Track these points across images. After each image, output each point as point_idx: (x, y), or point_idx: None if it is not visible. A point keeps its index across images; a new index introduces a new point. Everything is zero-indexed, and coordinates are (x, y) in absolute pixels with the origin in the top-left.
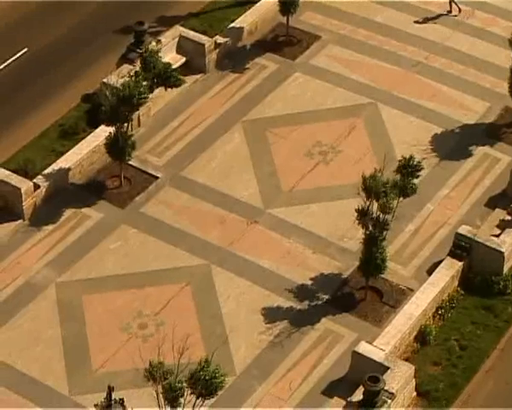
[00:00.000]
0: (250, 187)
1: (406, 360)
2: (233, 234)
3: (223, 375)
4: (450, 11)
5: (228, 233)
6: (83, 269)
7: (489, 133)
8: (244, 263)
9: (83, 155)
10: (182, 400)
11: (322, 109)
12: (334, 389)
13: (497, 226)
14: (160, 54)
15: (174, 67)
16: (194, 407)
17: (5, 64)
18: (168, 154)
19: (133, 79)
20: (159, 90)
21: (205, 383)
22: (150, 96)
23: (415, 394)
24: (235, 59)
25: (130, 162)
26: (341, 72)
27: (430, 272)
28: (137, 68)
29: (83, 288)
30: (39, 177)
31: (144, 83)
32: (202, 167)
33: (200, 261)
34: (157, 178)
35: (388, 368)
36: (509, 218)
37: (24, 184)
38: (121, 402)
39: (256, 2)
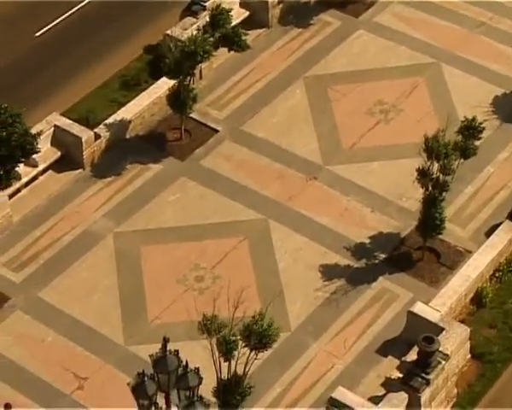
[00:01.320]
0: (310, 143)
1: (462, 321)
2: (291, 190)
3: (277, 329)
4: None
5: (286, 188)
6: (141, 220)
7: None
8: (302, 219)
9: (144, 106)
10: (235, 353)
11: (385, 68)
12: (389, 348)
13: None
14: (230, 13)
15: (238, 21)
16: (247, 360)
17: (69, 14)
18: (229, 107)
19: (199, 35)
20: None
21: (259, 335)
22: (214, 53)
23: (469, 356)
24: (298, 14)
25: (190, 115)
26: (405, 30)
27: (488, 234)
28: (203, 23)
29: (140, 239)
30: (100, 127)
31: (210, 39)
32: (263, 122)
33: (258, 216)
34: (217, 131)
35: (443, 329)
36: None
37: (85, 134)
38: (176, 354)
39: None
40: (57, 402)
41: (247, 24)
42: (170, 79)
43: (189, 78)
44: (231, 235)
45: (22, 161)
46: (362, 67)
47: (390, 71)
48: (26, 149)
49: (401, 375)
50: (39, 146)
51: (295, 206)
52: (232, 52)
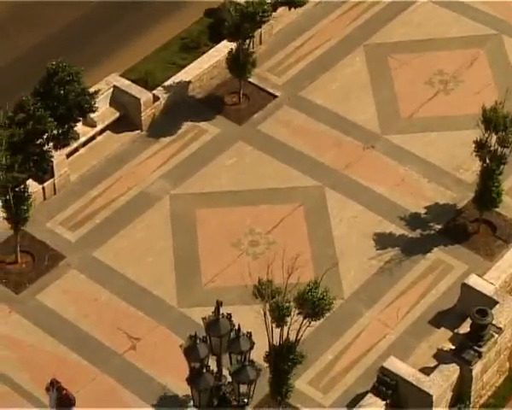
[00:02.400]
0: (368, 111)
1: None
2: (348, 157)
3: (331, 299)
4: None
5: (343, 156)
6: (197, 183)
7: None
8: (358, 187)
9: (203, 69)
10: (288, 319)
11: (446, 38)
12: (442, 319)
13: None
14: None
15: None
16: (300, 327)
17: None
18: (288, 73)
19: None
20: (282, 9)
21: (312, 304)
22: (273, 14)
23: None
24: None
25: (249, 79)
26: (467, 1)
27: None
28: None
29: (196, 202)
30: (159, 88)
31: (268, 1)
32: (321, 89)
33: (314, 183)
34: (276, 96)
35: (497, 303)
36: None
37: (143, 95)
38: (228, 318)
39: None
40: (109, 362)
41: None
42: (229, 41)
43: (248, 41)
44: (287, 201)
45: (80, 120)
46: (422, 37)
47: (451, 41)
48: (83, 108)
49: (453, 347)
50: (97, 105)
51: (352, 174)
52: (292, 17)
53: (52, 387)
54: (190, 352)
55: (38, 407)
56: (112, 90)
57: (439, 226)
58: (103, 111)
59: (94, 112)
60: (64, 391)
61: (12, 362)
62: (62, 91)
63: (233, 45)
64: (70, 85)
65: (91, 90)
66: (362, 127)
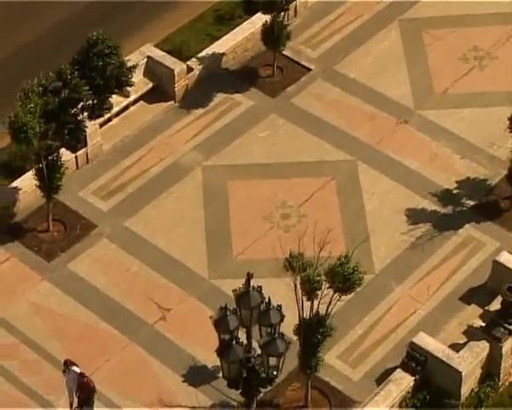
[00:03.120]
0: (402, 86)
1: None
2: (381, 132)
3: (362, 272)
4: None
5: (376, 131)
6: (230, 155)
7: None
8: (391, 162)
9: (237, 41)
10: (319, 293)
11: (481, 14)
12: (472, 296)
13: None
14: None
15: None
16: (330, 300)
17: None
18: (322, 46)
19: None
20: None
21: (343, 278)
22: None
23: None
24: None
25: (283, 52)
26: None
27: None
28: None
29: (229, 173)
30: (193, 59)
31: None
32: (355, 63)
33: (347, 157)
34: (309, 70)
35: None
36: None
37: (177, 66)
38: (259, 290)
39: None
40: (139, 331)
41: None
42: (264, 14)
43: (283, 14)
44: (319, 174)
45: (116, 92)
46: (458, 13)
47: (486, 18)
48: (120, 81)
49: (483, 324)
50: (133, 79)
51: (384, 148)
52: None
53: (67, 367)
54: (220, 324)
55: None
56: (146, 60)
57: (471, 203)
58: (137, 82)
59: (131, 86)
60: (85, 379)
61: (43, 331)
62: (101, 63)
63: (268, 18)
64: (109, 58)
65: (127, 61)
66: (395, 102)
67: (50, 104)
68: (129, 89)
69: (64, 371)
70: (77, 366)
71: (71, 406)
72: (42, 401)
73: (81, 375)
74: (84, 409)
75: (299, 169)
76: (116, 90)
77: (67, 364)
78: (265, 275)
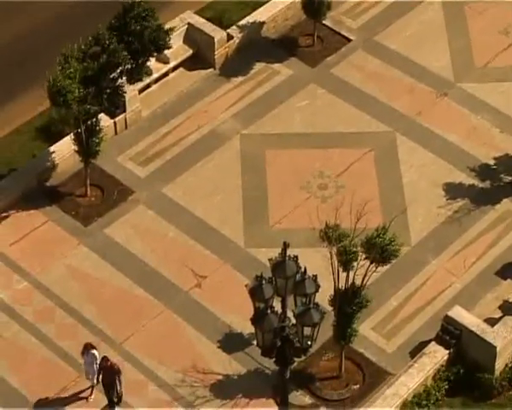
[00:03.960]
0: (442, 59)
1: None
2: (421, 104)
3: (399, 245)
4: None
5: (416, 103)
6: (268, 124)
7: None
8: (429, 135)
9: (278, 10)
10: (355, 264)
11: None
12: (508, 271)
13: None
14: None
15: None
16: (366, 272)
17: None
18: (363, 17)
19: None
20: None
21: (380, 249)
22: None
23: None
24: None
25: (324, 22)
26: None
27: None
28: None
29: (267, 142)
30: (233, 27)
31: None
32: (396, 34)
33: (386, 128)
34: (350, 40)
35: None
36: None
37: (218, 34)
38: (295, 260)
39: None
40: (175, 298)
41: None
42: None
43: None
44: (357, 145)
45: (154, 56)
46: None
47: None
48: (158, 45)
49: None
50: (171, 42)
51: (424, 121)
52: None
53: (86, 350)
54: (256, 292)
55: (103, 340)
56: (186, 27)
57: (510, 178)
58: (177, 48)
59: (168, 49)
60: (108, 362)
61: (79, 295)
62: (138, 27)
63: None
64: (146, 21)
65: (166, 26)
66: (435, 74)
67: (90, 69)
68: (168, 55)
69: (82, 354)
70: (96, 349)
71: (91, 389)
72: (76, 364)
73: (104, 359)
74: (111, 393)
75: (338, 140)
76: (154, 54)
77: (87, 347)
78: (301, 245)
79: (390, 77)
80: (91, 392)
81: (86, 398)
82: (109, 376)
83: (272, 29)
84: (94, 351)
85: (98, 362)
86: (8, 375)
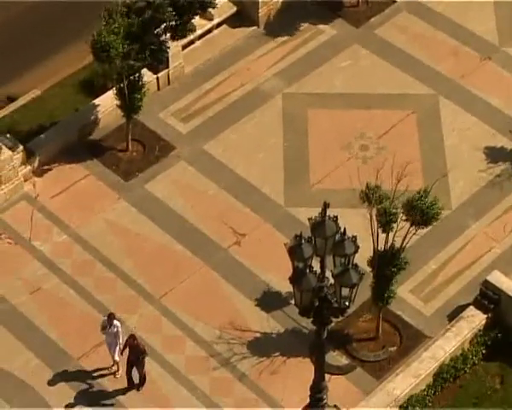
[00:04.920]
0: (488, 22)
1: None
2: (465, 67)
3: (439, 208)
4: None
5: (459, 66)
6: (311, 83)
7: None
8: (472, 98)
9: None
10: (395, 226)
11: None
12: None
13: None
14: None
15: None
16: (406, 234)
17: None
18: None
19: None
20: None
21: (421, 212)
22: None
23: None
24: None
25: None
26: None
27: None
28: None
29: (309, 101)
30: None
31: None
32: None
33: (429, 91)
34: (394, 1)
35: None
36: None
37: None
38: (335, 220)
39: None
40: (213, 255)
41: None
42: None
43: None
44: (399, 107)
45: (199, 13)
46: None
47: None
48: (203, 2)
49: None
50: (217, 2)
51: (467, 84)
52: None
53: (109, 320)
54: (295, 251)
55: (141, 295)
56: None
57: None
58: (221, 5)
59: (214, 7)
60: (135, 341)
61: (118, 249)
62: None
63: None
64: None
65: None
66: (480, 38)
67: (134, 25)
68: (213, 12)
69: (104, 328)
70: (133, 335)
71: (117, 365)
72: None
73: (131, 337)
74: (134, 372)
75: (380, 101)
76: (199, 12)
77: (111, 317)
78: (341, 205)
79: (434, 39)
80: (118, 368)
81: (114, 374)
82: (134, 355)
83: None
84: (116, 322)
85: (121, 335)
86: (46, 327)
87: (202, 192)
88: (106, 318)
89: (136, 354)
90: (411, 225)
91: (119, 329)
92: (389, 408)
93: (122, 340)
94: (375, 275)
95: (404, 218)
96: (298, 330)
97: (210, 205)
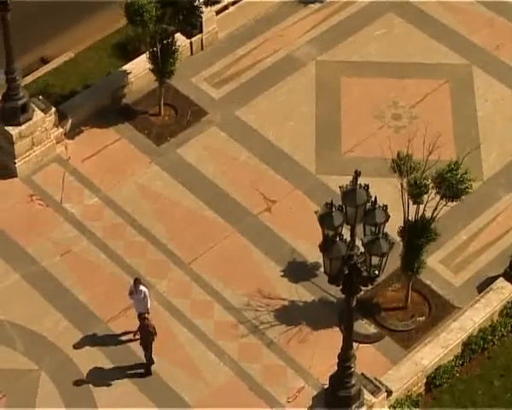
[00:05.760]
0: None
1: None
2: (500, 38)
3: (470, 180)
4: None
5: (494, 37)
6: (344, 51)
7: None
8: (507, 70)
9: None
10: (425, 196)
11: None
12: None
13: None
14: None
15: None
16: (437, 206)
17: None
18: None
19: None
20: None
21: (451, 185)
22: None
23: None
24: None
25: None
26: None
27: None
28: None
29: (342, 69)
30: None
31: None
32: None
33: (463, 61)
34: None
35: None
36: None
37: None
38: (366, 189)
39: None
40: (244, 221)
41: None
42: None
43: None
44: (433, 77)
45: None
46: None
47: None
48: None
49: None
50: None
51: (502, 55)
52: None
53: (135, 285)
54: (325, 219)
55: (171, 259)
56: None
57: None
58: None
59: None
60: (145, 321)
61: (148, 213)
62: None
63: None
64: None
65: None
66: None
67: None
68: None
69: (131, 293)
70: (144, 285)
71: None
72: (143, 282)
73: (140, 316)
74: (144, 353)
75: (414, 70)
76: None
77: (137, 282)
78: (373, 174)
79: (469, 9)
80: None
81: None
82: (144, 334)
83: None
84: (143, 287)
85: (148, 300)
86: (75, 289)
87: (233, 158)
88: (132, 283)
89: (146, 333)
90: (441, 198)
91: (147, 293)
92: (417, 378)
93: (150, 304)
94: (406, 245)
95: (434, 190)
96: (326, 299)
97: (241, 171)
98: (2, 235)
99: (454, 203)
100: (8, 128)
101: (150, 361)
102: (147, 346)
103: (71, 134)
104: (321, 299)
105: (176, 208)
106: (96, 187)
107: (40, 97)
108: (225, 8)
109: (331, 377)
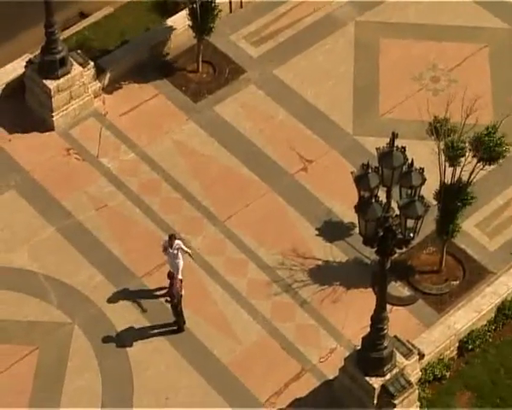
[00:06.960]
0: None
1: None
2: None
3: (508, 144)
4: None
5: None
6: (384, 12)
7: None
8: None
9: None
10: (462, 160)
11: None
12: None
13: None
14: None
15: None
16: (473, 169)
17: None
18: None
19: None
20: None
21: (488, 148)
22: None
23: None
24: None
25: None
26: None
27: None
28: None
29: (382, 31)
30: None
31: None
32: None
33: (504, 25)
34: None
35: None
36: None
37: None
38: (403, 151)
39: None
40: (280, 180)
41: None
42: None
43: None
44: (473, 40)
45: None
46: None
47: None
48: None
49: None
50: None
51: None
52: None
53: (170, 241)
54: (361, 180)
55: (206, 216)
56: None
57: None
58: None
59: None
60: (172, 280)
61: (185, 170)
62: None
63: None
64: None
65: None
66: None
67: None
68: None
69: (166, 249)
70: (180, 240)
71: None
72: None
73: (169, 274)
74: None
75: (454, 33)
76: None
77: (172, 238)
78: (410, 136)
79: None
80: (181, 288)
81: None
82: (171, 297)
83: None
84: (178, 242)
85: (182, 256)
86: (110, 244)
87: (271, 117)
88: (167, 239)
89: (172, 296)
90: (478, 162)
91: (180, 254)
92: (449, 342)
93: (182, 266)
94: (441, 208)
95: (471, 154)
96: (360, 260)
97: (278, 130)
98: (38, 188)
99: (491, 167)
100: (47, 82)
101: (179, 321)
102: (173, 305)
103: (108, 89)
104: (355, 260)
105: (212, 166)
106: (132, 142)
107: (79, 51)
108: None
109: (363, 339)
